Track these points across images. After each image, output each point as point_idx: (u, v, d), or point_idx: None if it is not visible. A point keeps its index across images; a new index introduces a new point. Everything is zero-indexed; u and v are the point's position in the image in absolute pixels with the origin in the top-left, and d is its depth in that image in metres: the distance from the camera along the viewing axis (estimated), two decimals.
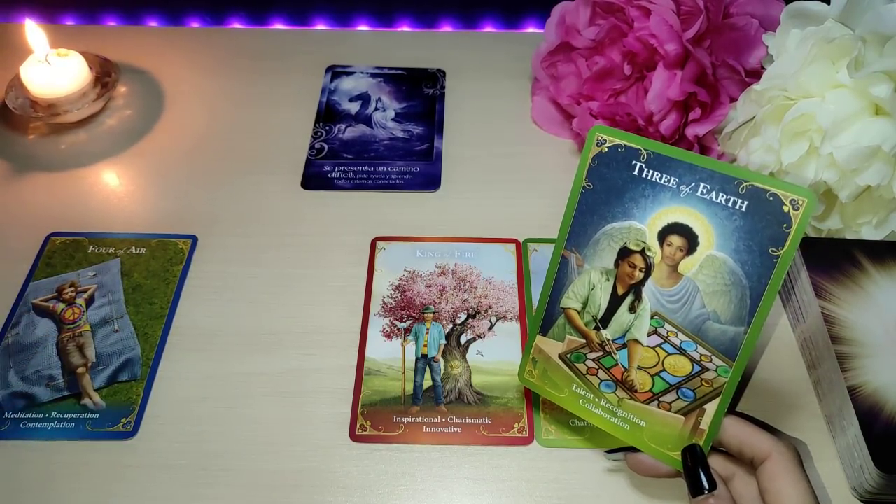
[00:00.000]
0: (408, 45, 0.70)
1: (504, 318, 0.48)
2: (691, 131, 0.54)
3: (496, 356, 0.46)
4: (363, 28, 0.74)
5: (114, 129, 0.61)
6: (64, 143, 0.60)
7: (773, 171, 0.48)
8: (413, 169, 0.58)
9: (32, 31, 0.58)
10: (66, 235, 0.53)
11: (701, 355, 0.36)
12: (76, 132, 0.61)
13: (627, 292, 0.37)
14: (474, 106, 0.64)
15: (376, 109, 0.63)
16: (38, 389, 0.44)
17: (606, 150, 0.37)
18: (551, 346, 0.39)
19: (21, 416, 0.43)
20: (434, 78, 0.66)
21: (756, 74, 0.52)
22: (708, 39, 0.53)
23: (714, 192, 0.34)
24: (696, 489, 0.34)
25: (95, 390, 0.44)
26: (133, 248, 0.52)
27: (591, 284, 0.38)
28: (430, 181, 0.57)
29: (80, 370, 0.45)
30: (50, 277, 0.50)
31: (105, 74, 0.62)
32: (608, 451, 0.39)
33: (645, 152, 0.36)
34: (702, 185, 0.35)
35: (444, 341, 0.47)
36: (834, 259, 0.45)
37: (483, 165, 0.58)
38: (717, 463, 0.36)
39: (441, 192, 0.57)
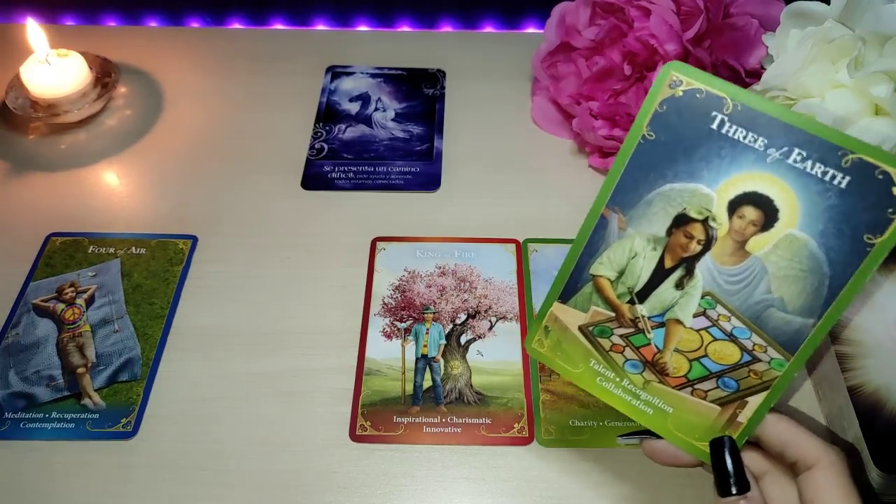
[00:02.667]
0: (408, 45, 0.70)
1: (504, 318, 0.48)
2: None
3: (496, 356, 0.46)
4: (363, 28, 0.74)
5: (114, 129, 0.61)
6: (64, 143, 0.60)
7: None
8: (413, 169, 0.58)
9: (33, 30, 0.58)
10: (66, 235, 0.53)
11: (754, 345, 0.32)
12: (76, 132, 0.61)
13: (677, 266, 0.32)
14: (474, 106, 0.64)
15: (376, 109, 0.63)
16: (38, 389, 0.44)
17: (681, 93, 0.31)
18: (571, 316, 0.35)
19: (21, 416, 0.43)
20: (434, 78, 0.66)
21: (756, 74, 0.52)
22: (708, 39, 0.53)
23: (810, 162, 0.29)
24: (724, 488, 0.30)
25: (95, 390, 0.44)
26: (133, 248, 0.52)
27: (632, 252, 0.33)
28: (430, 181, 0.57)
29: (80, 370, 0.45)
30: (50, 277, 0.50)
31: (105, 74, 0.62)
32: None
33: (731, 102, 0.30)
34: (797, 150, 0.29)
35: (444, 341, 0.47)
36: None
37: (483, 165, 0.58)
38: (749, 459, 0.32)
39: (441, 192, 0.57)
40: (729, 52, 0.53)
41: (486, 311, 0.49)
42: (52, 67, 0.58)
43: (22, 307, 0.48)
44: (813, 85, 0.45)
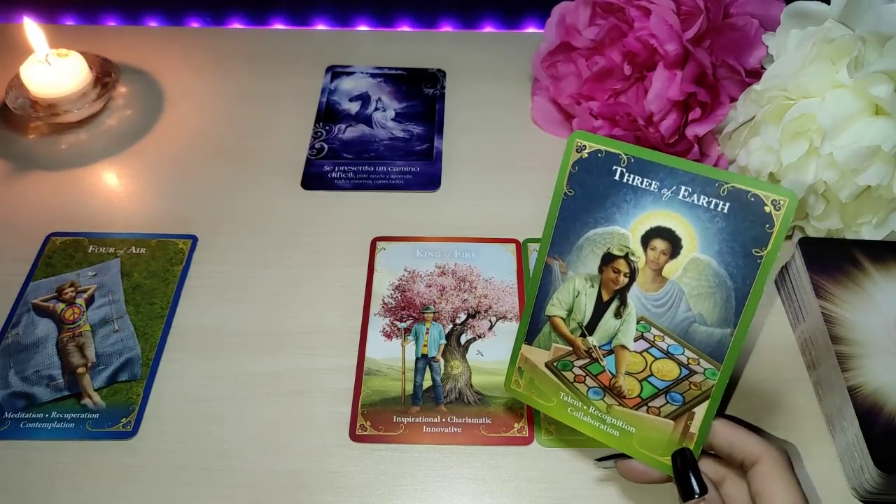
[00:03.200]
0: (408, 45, 0.70)
1: (504, 318, 0.48)
2: (691, 131, 0.54)
3: (496, 356, 0.46)
4: (363, 28, 0.74)
5: (114, 129, 0.61)
6: (64, 143, 0.60)
7: (773, 170, 0.48)
8: (413, 169, 0.58)
9: (31, 29, 0.58)
10: (66, 235, 0.53)
11: (688, 359, 0.36)
12: (76, 132, 0.61)
13: (612, 298, 0.37)
14: (474, 106, 0.64)
15: (376, 109, 0.63)
16: (38, 389, 0.44)
17: (587, 155, 0.37)
18: (537, 355, 0.39)
19: (21, 416, 0.43)
20: (434, 78, 0.66)
21: (756, 74, 0.52)
22: (708, 39, 0.53)
23: (695, 195, 0.34)
24: (686, 493, 0.34)
25: (95, 390, 0.44)
26: (133, 248, 0.52)
27: (575, 291, 0.38)
28: (430, 181, 0.57)
29: (80, 370, 0.45)
30: (50, 277, 0.50)
31: (105, 74, 0.62)
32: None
33: (625, 157, 0.36)
34: (683, 188, 0.35)
35: (444, 341, 0.47)
36: (834, 259, 0.45)
37: (483, 165, 0.58)
38: (707, 466, 0.36)
39: (441, 192, 0.57)
40: (729, 52, 0.53)
41: (486, 311, 0.49)
42: (52, 67, 0.58)
43: (22, 307, 0.48)
44: (813, 85, 0.45)
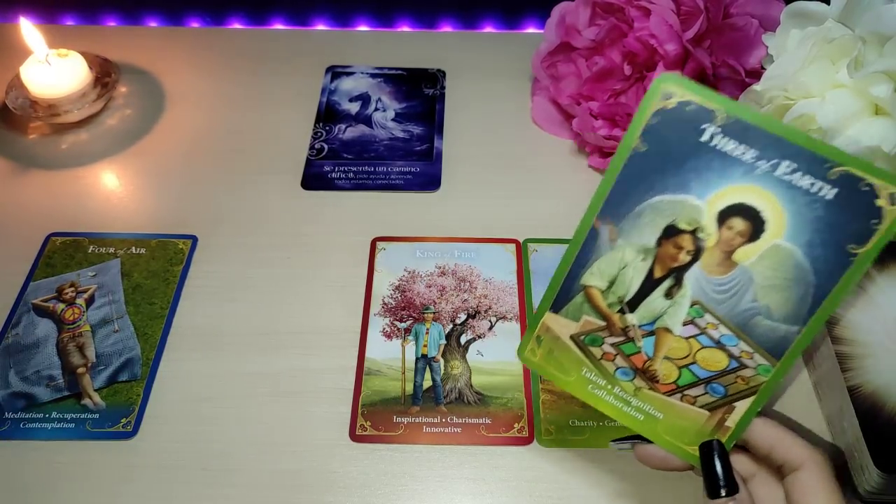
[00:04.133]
0: (408, 45, 0.70)
1: (504, 318, 0.48)
2: None
3: (496, 356, 0.46)
4: (363, 28, 0.74)
5: (114, 129, 0.61)
6: (64, 143, 0.60)
7: None
8: (413, 169, 0.58)
9: (27, 30, 0.58)
10: (66, 235, 0.53)
11: (742, 351, 0.32)
12: (76, 132, 0.61)
13: (666, 276, 0.33)
14: (474, 106, 0.64)
15: (376, 109, 0.63)
16: (38, 389, 0.44)
17: (673, 105, 0.31)
18: (562, 326, 0.35)
19: (21, 416, 0.43)
20: (434, 78, 0.66)
21: (756, 74, 0.52)
22: (708, 39, 0.53)
23: (798, 174, 0.30)
24: (713, 489, 0.31)
25: (95, 390, 0.44)
26: (133, 248, 0.52)
27: (622, 262, 0.33)
28: (430, 181, 0.57)
29: (80, 370, 0.45)
30: (50, 277, 0.50)
31: (105, 74, 0.62)
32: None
33: (722, 114, 0.30)
34: (785, 162, 0.30)
35: (444, 341, 0.47)
36: None
37: (483, 165, 0.58)
38: (738, 461, 0.34)
39: (441, 192, 0.57)
40: (729, 52, 0.53)
41: (486, 311, 0.49)
42: (52, 67, 0.58)
43: (22, 307, 0.48)
44: (813, 85, 0.45)
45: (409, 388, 0.45)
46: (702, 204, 0.31)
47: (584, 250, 0.34)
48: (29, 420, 0.43)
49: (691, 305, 0.33)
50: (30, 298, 0.49)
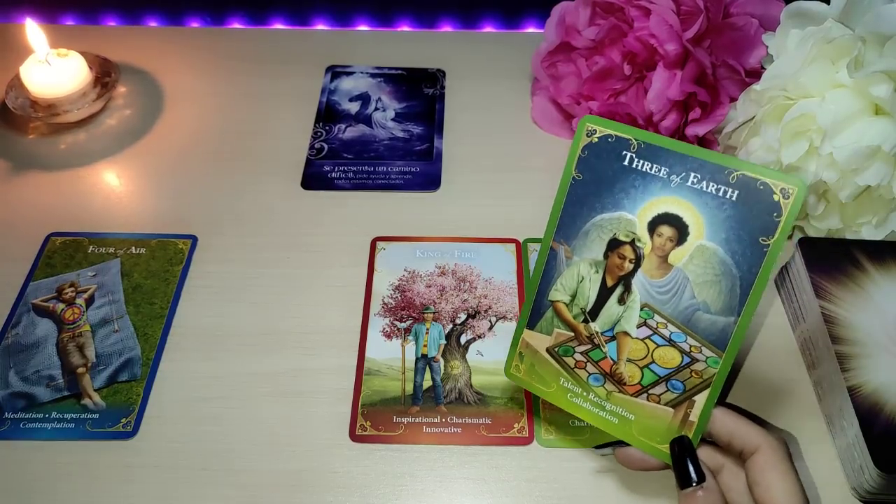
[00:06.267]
0: (408, 45, 0.70)
1: (504, 318, 0.48)
2: (691, 131, 0.54)
3: (496, 356, 0.46)
4: (363, 28, 0.74)
5: (114, 129, 0.61)
6: (64, 143, 0.60)
7: None
8: (413, 169, 0.58)
9: (33, 30, 0.58)
10: (66, 235, 0.53)
11: (691, 346, 0.36)
12: (76, 132, 0.61)
13: (617, 284, 0.37)
14: (474, 106, 0.64)
15: (376, 109, 0.63)
16: (38, 389, 0.44)
17: (597, 140, 0.37)
18: (539, 340, 0.39)
19: (21, 416, 0.43)
20: (434, 78, 0.66)
21: (756, 74, 0.52)
22: (708, 39, 0.53)
23: (704, 182, 0.34)
24: (684, 481, 0.34)
25: (95, 390, 0.44)
26: (133, 248, 0.52)
27: (579, 276, 0.38)
28: (430, 181, 0.57)
29: (80, 370, 0.45)
30: (50, 277, 0.50)
31: (105, 74, 0.62)
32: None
33: (635, 142, 0.36)
34: (692, 174, 0.35)
35: (444, 341, 0.47)
36: (834, 259, 0.45)
37: (483, 166, 0.58)
38: (705, 454, 0.36)
39: (441, 192, 0.57)
40: (729, 51, 0.53)
41: (486, 311, 0.49)
42: (52, 67, 0.58)
43: (22, 307, 0.48)
44: (813, 85, 0.45)
45: (409, 388, 0.45)
46: (634, 217, 0.36)
47: (546, 270, 0.38)
48: (29, 420, 0.43)
49: (641, 308, 0.37)
50: (30, 298, 0.49)
